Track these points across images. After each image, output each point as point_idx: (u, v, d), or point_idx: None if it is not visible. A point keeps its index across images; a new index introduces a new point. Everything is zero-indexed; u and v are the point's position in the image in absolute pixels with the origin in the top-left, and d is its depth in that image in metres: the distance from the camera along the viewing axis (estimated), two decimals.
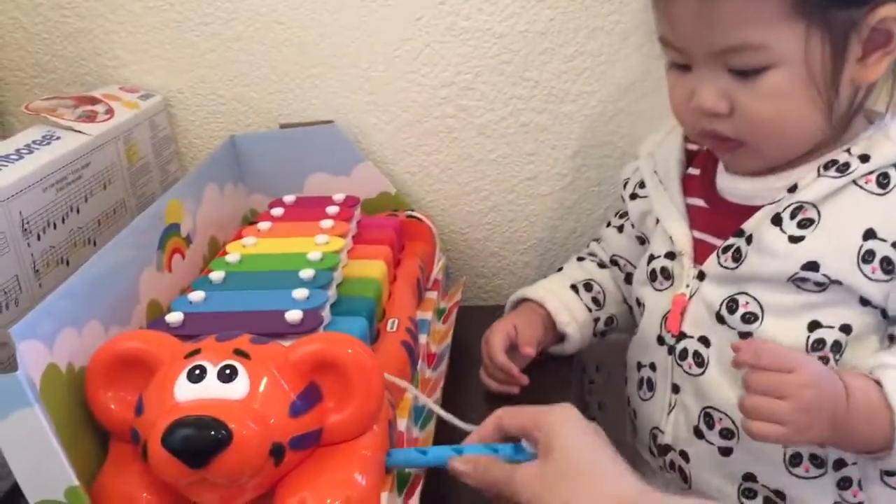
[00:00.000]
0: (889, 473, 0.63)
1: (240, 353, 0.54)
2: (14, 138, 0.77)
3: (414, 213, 0.90)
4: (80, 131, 0.80)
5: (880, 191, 0.60)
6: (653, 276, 0.73)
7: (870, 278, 0.60)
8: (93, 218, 0.80)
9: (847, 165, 0.61)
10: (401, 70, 0.91)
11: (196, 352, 0.54)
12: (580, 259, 0.85)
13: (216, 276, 0.69)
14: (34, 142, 0.76)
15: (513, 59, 0.89)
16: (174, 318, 0.62)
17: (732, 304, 0.65)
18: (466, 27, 0.88)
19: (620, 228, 0.82)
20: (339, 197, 0.86)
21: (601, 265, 0.84)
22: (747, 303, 0.64)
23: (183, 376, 0.53)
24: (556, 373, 0.80)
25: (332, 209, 0.83)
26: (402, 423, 0.64)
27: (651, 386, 0.72)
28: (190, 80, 0.96)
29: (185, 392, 0.52)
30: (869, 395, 0.57)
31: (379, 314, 0.72)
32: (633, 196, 0.78)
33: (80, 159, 0.78)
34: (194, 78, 0.96)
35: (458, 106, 0.92)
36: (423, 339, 0.77)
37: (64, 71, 0.98)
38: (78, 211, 0.77)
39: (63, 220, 0.75)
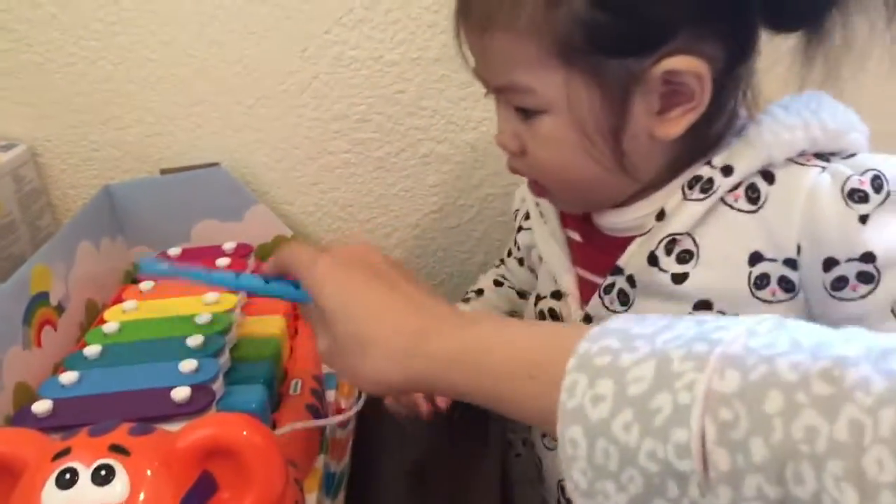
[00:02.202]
0: None
1: (117, 450, 0.47)
2: None
3: None
4: None
5: (751, 207, 0.54)
6: (541, 318, 0.66)
7: (771, 301, 0.54)
8: None
9: (711, 182, 0.54)
10: (288, 105, 0.86)
11: (65, 452, 0.47)
12: (498, 284, 0.79)
13: (91, 350, 0.62)
14: None
15: (407, 87, 0.85)
16: (42, 406, 0.54)
17: None
18: (355, 56, 0.83)
19: (521, 261, 0.76)
20: (229, 246, 0.80)
21: (520, 294, 0.79)
22: None
23: (51, 483, 0.45)
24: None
25: (222, 261, 0.76)
26: (311, 499, 0.58)
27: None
28: (57, 126, 0.87)
29: (54, 501, 0.45)
30: None
31: (280, 376, 0.66)
32: (520, 228, 0.73)
33: None
34: (62, 124, 0.87)
35: (353, 140, 0.87)
36: (330, 395, 0.71)
37: None
38: None
39: None
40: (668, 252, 0.56)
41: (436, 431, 0.70)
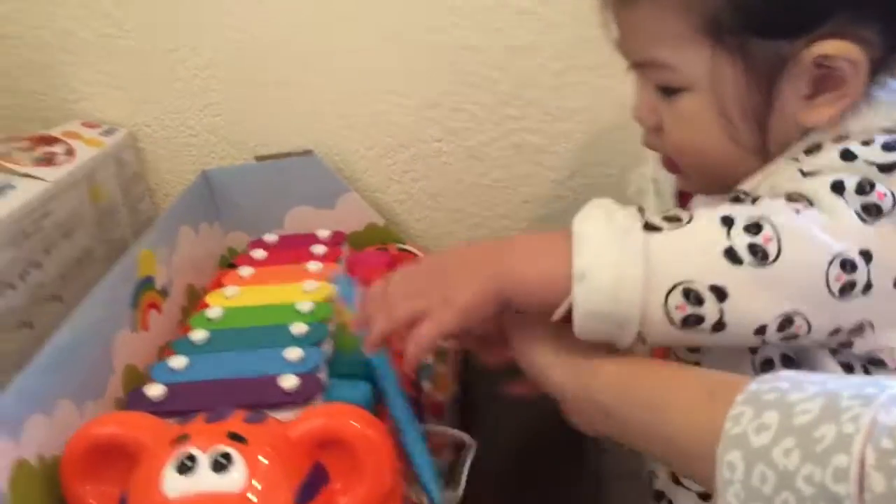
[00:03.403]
0: None
1: (234, 437, 0.48)
2: None
3: (405, 247, 0.84)
4: (37, 177, 0.73)
5: None
6: None
7: None
8: (57, 272, 0.73)
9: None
10: (381, 92, 0.85)
11: (184, 437, 0.48)
12: None
13: (198, 335, 0.63)
14: None
15: (502, 77, 0.84)
16: (155, 391, 0.55)
17: None
18: (451, 44, 0.82)
19: None
20: (323, 234, 0.80)
21: None
22: None
23: (171, 468, 0.46)
24: None
25: (318, 248, 0.76)
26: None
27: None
28: (157, 111, 0.89)
29: (174, 486, 0.46)
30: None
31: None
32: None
33: (40, 209, 0.71)
34: (161, 109, 0.89)
35: (445, 128, 0.86)
36: (425, 386, 0.71)
37: (19, 107, 0.91)
38: (40, 266, 0.70)
39: (22, 279, 0.68)
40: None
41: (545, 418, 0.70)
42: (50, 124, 0.89)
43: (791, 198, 0.48)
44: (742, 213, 0.47)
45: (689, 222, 0.47)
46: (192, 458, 0.46)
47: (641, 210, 0.49)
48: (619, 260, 0.46)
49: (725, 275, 0.45)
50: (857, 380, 0.39)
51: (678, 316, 0.46)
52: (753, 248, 0.45)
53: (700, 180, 0.58)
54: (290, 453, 0.48)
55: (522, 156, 0.87)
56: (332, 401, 0.57)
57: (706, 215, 0.48)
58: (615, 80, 0.81)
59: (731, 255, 0.46)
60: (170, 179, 0.92)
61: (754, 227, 0.46)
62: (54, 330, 0.70)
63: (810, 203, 0.48)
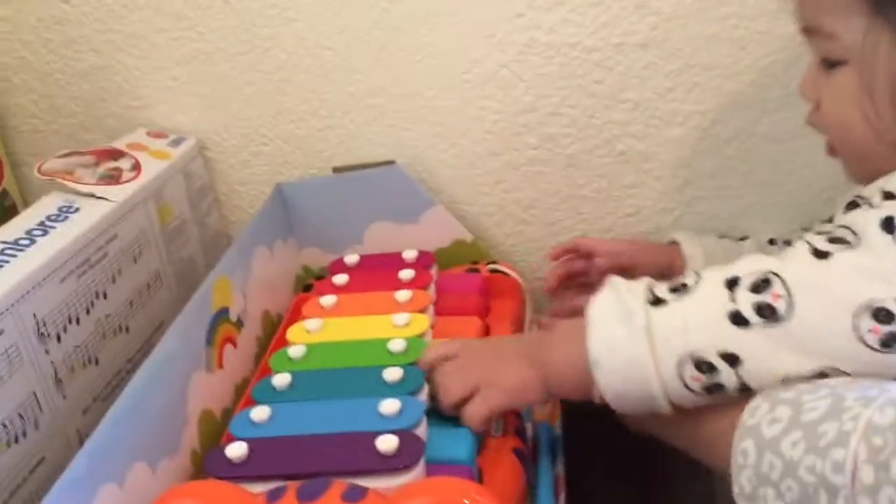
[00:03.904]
0: None
1: None
2: (25, 214, 0.64)
3: (498, 267, 0.76)
4: (103, 197, 0.67)
5: None
6: None
7: None
8: (123, 300, 0.67)
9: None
10: (472, 96, 0.77)
11: None
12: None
13: (279, 380, 0.56)
14: (49, 217, 0.63)
15: (606, 77, 0.75)
16: (236, 451, 0.48)
17: None
18: (550, 42, 0.74)
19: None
20: (410, 255, 0.73)
21: None
22: None
23: None
24: None
25: (405, 273, 0.69)
26: None
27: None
28: (227, 118, 0.82)
29: None
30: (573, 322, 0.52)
31: None
32: None
33: (105, 233, 0.65)
34: (231, 116, 0.82)
35: (542, 135, 0.78)
36: (527, 428, 0.63)
37: (83, 115, 0.85)
38: (105, 296, 0.64)
39: (87, 311, 0.62)
40: None
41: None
42: (113, 133, 0.84)
43: (833, 234, 0.46)
44: (751, 270, 0.46)
45: (694, 289, 0.47)
46: None
47: (652, 284, 0.49)
48: (626, 341, 0.47)
49: (734, 340, 0.45)
50: (867, 382, 0.41)
51: (697, 386, 0.47)
52: (760, 308, 0.45)
53: (851, 167, 0.55)
54: None
55: (627, 164, 0.78)
56: (434, 459, 0.50)
57: (711, 278, 0.47)
58: (736, 81, 0.73)
59: (737, 318, 0.45)
60: (240, 191, 0.86)
61: (762, 285, 0.45)
62: (121, 365, 0.66)
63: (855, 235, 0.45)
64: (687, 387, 0.47)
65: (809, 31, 0.52)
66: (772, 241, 0.70)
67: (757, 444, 0.42)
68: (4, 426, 0.53)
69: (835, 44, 0.50)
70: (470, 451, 0.52)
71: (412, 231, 0.79)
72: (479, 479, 0.52)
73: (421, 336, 0.60)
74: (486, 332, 0.68)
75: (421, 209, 0.79)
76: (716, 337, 0.45)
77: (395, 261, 0.73)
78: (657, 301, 0.48)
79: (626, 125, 0.76)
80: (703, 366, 0.46)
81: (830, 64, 0.51)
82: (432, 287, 0.69)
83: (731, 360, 0.45)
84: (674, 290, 0.48)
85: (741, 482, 0.43)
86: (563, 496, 0.56)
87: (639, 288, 0.49)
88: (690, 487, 0.64)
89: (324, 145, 0.82)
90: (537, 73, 0.75)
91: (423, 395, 0.54)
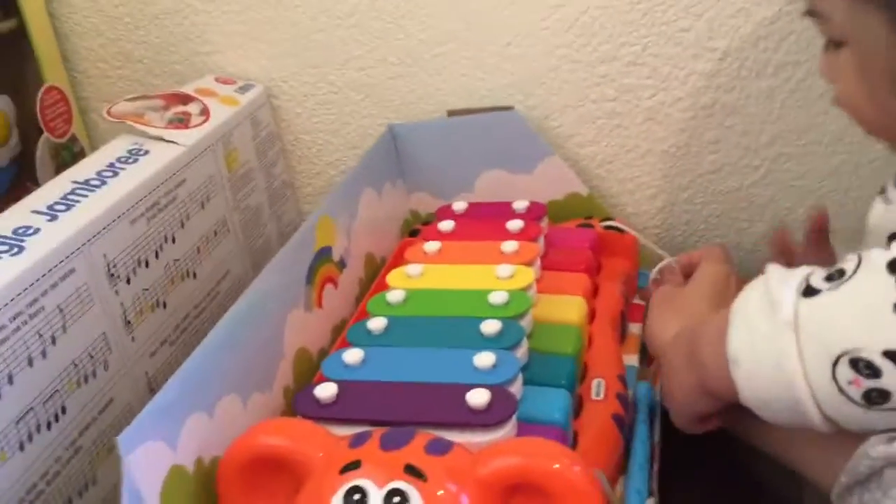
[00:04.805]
0: None
1: (412, 472, 0.40)
2: (95, 156, 0.63)
3: (614, 224, 0.73)
4: (172, 141, 0.66)
5: None
6: None
7: None
8: (191, 245, 0.66)
9: None
10: (549, 44, 0.74)
11: (355, 465, 0.40)
12: None
13: (375, 324, 0.54)
14: (119, 159, 0.62)
15: (693, 24, 0.71)
16: (326, 391, 0.47)
17: None
18: None
19: None
20: (520, 205, 0.70)
21: None
22: None
23: (338, 501, 0.39)
24: None
25: (514, 224, 0.66)
26: None
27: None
28: (295, 65, 0.81)
29: None
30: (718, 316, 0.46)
31: (579, 373, 0.56)
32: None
33: (174, 177, 0.64)
34: (300, 63, 0.80)
35: (621, 86, 0.74)
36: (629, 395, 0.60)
37: (151, 60, 0.84)
38: (174, 240, 0.64)
39: (156, 255, 0.61)
40: None
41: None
42: (181, 79, 0.83)
43: None
44: None
45: (852, 276, 0.40)
46: (363, 492, 0.39)
47: (811, 272, 0.42)
48: (767, 337, 0.41)
49: None
50: None
51: (855, 393, 0.39)
52: None
53: (883, 142, 0.53)
54: (475, 496, 0.39)
55: (711, 118, 0.74)
56: (527, 419, 0.48)
57: (873, 262, 0.40)
58: None
59: None
60: (306, 140, 0.84)
61: None
62: (188, 310, 0.65)
63: None
64: (843, 392, 0.39)
65: (811, 13, 0.52)
66: None
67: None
68: (75, 365, 0.52)
69: (831, 25, 0.50)
70: (565, 413, 0.49)
71: (525, 181, 0.76)
72: (574, 443, 0.50)
73: (525, 290, 0.57)
74: (595, 290, 0.65)
75: (537, 159, 0.76)
76: (879, 333, 0.38)
77: (505, 210, 0.69)
78: (810, 291, 0.41)
79: (712, 76, 0.72)
80: (861, 366, 0.39)
81: (835, 45, 0.50)
82: (541, 240, 0.66)
83: None
84: (829, 277, 0.41)
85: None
86: (656, 467, 0.53)
87: (795, 278, 0.43)
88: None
89: (392, 94, 0.80)
90: (620, 19, 0.72)
91: (521, 351, 0.52)
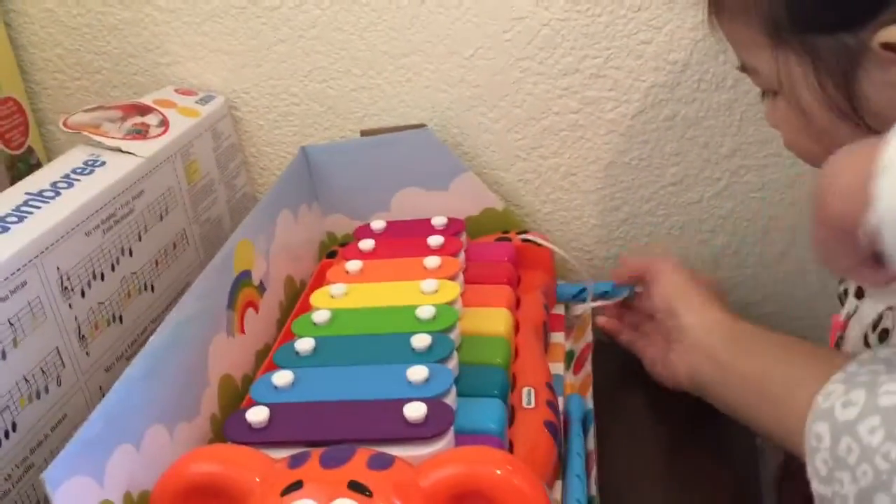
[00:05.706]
0: None
1: (357, 488, 0.39)
2: (50, 167, 0.62)
3: (529, 237, 0.73)
4: (129, 152, 0.65)
5: None
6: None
7: None
8: (149, 258, 0.65)
9: None
10: (512, 56, 0.74)
11: (296, 485, 0.39)
12: None
13: (303, 345, 0.54)
14: (74, 170, 0.61)
15: (654, 37, 0.71)
16: (258, 415, 0.46)
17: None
18: (595, 0, 0.71)
19: None
20: (439, 221, 0.70)
21: None
22: None
23: None
24: None
25: (434, 240, 0.67)
26: None
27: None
28: (257, 76, 0.80)
29: None
30: None
31: (509, 383, 0.56)
32: None
33: (132, 188, 0.63)
34: (262, 74, 0.80)
35: (583, 98, 0.75)
36: (559, 402, 0.61)
37: (110, 70, 0.83)
38: (131, 253, 0.62)
39: (112, 268, 0.60)
40: None
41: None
42: (141, 90, 0.82)
43: None
44: None
45: None
46: None
47: None
48: None
49: None
50: None
51: None
52: None
53: None
54: None
55: (672, 131, 0.75)
56: (463, 430, 0.48)
57: None
58: None
59: None
60: (268, 152, 0.83)
61: None
62: (145, 325, 0.64)
63: None
64: None
65: (743, 69, 0.53)
66: None
67: (831, 428, 0.41)
68: (27, 381, 0.51)
69: (762, 77, 0.51)
70: (500, 422, 0.50)
71: (441, 198, 0.76)
72: (510, 451, 0.50)
73: (451, 303, 0.58)
74: (518, 302, 0.66)
75: (451, 175, 0.76)
76: None
77: (424, 227, 0.70)
78: None
79: (672, 88, 0.73)
80: None
81: (773, 94, 0.52)
82: (462, 254, 0.66)
83: None
84: None
85: (816, 464, 0.42)
86: (594, 471, 0.54)
87: None
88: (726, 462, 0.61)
89: (355, 106, 0.79)
90: (582, 32, 0.72)
91: (453, 364, 0.52)
